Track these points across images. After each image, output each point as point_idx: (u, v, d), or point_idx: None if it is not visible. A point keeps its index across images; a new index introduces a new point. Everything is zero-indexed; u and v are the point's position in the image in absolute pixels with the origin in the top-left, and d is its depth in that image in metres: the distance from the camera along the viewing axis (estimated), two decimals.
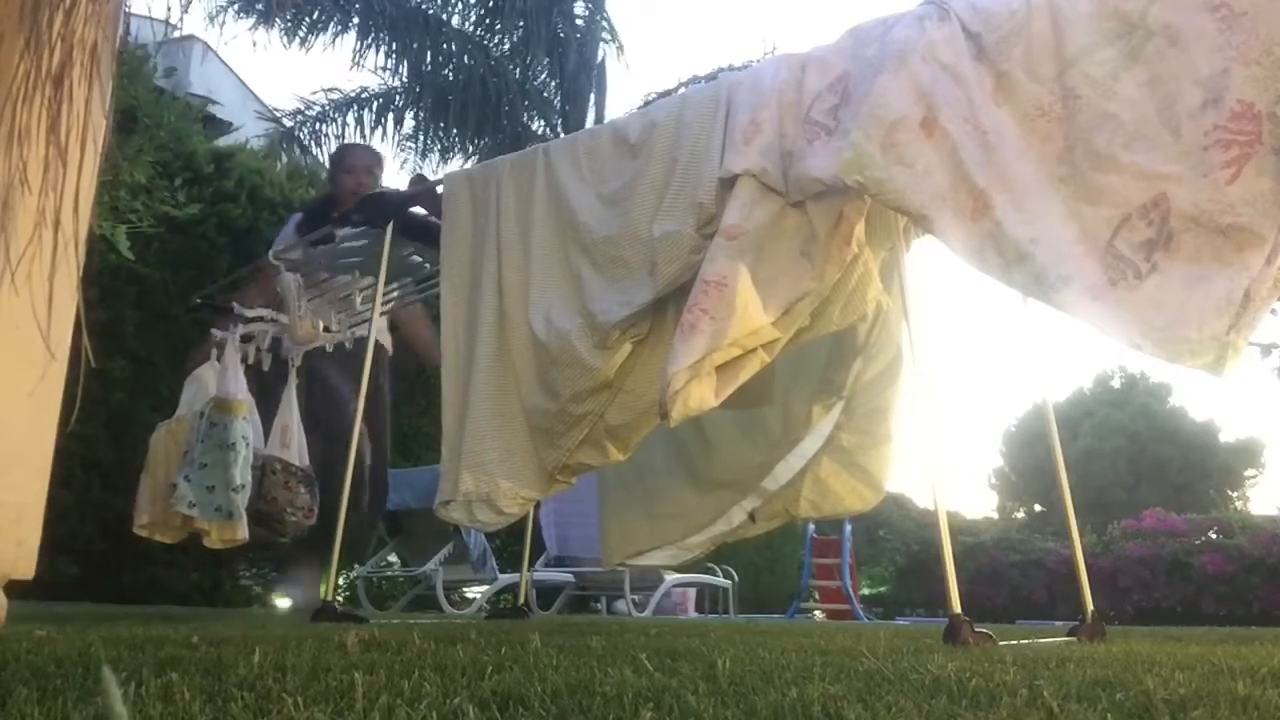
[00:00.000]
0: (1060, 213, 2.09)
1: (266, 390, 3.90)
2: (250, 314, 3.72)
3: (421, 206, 3.55)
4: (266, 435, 3.75)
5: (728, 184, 2.46)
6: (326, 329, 3.81)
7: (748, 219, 2.38)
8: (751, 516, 3.60)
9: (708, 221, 2.48)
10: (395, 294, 3.89)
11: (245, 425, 3.48)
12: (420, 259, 3.76)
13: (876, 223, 2.56)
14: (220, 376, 3.54)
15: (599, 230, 2.73)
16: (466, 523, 2.93)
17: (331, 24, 11.35)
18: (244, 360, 3.71)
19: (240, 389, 3.53)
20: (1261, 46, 1.97)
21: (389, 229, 3.39)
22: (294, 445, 3.78)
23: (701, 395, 2.30)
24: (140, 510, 3.55)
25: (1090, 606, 2.70)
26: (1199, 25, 2.04)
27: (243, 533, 3.49)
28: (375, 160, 4.48)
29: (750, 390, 2.49)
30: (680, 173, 2.59)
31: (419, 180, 3.94)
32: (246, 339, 3.73)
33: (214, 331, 3.67)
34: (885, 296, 2.72)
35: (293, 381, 3.91)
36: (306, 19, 11.16)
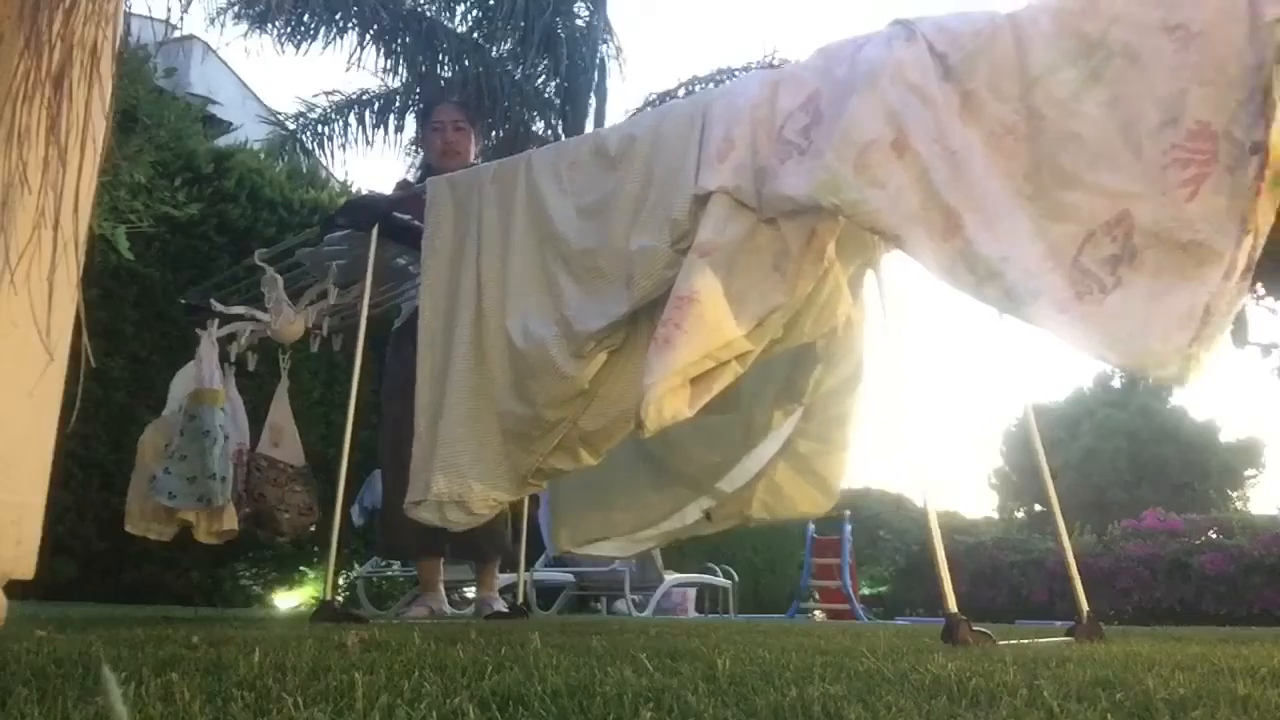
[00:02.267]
0: (1028, 230, 2.12)
1: (255, 389, 3.90)
2: (230, 311, 3.72)
3: (407, 211, 3.55)
4: (257, 433, 3.76)
5: (702, 201, 2.48)
6: (312, 329, 3.81)
7: (721, 234, 2.41)
8: (708, 515, 3.63)
9: (682, 237, 2.51)
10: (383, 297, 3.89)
11: (222, 415, 3.49)
12: (404, 262, 3.77)
13: (847, 238, 2.60)
14: (197, 368, 3.55)
15: (577, 242, 2.76)
16: (437, 523, 2.95)
17: (327, 26, 11.33)
18: (225, 359, 3.72)
19: (215, 379, 3.55)
20: (1216, 67, 2.00)
21: (374, 232, 3.40)
22: (285, 444, 3.79)
23: (676, 406, 2.33)
24: (129, 509, 3.56)
25: (1085, 607, 2.72)
26: (1157, 45, 2.06)
27: (230, 523, 3.49)
28: (464, 114, 4.11)
29: (717, 397, 2.52)
30: (656, 188, 2.62)
31: (405, 185, 3.92)
32: (228, 339, 3.74)
33: (198, 330, 3.68)
34: (855, 309, 2.76)
35: (284, 382, 3.91)
36: (303, 22, 11.15)
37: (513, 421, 2.81)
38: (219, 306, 3.75)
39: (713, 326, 2.33)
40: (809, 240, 2.39)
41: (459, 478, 2.81)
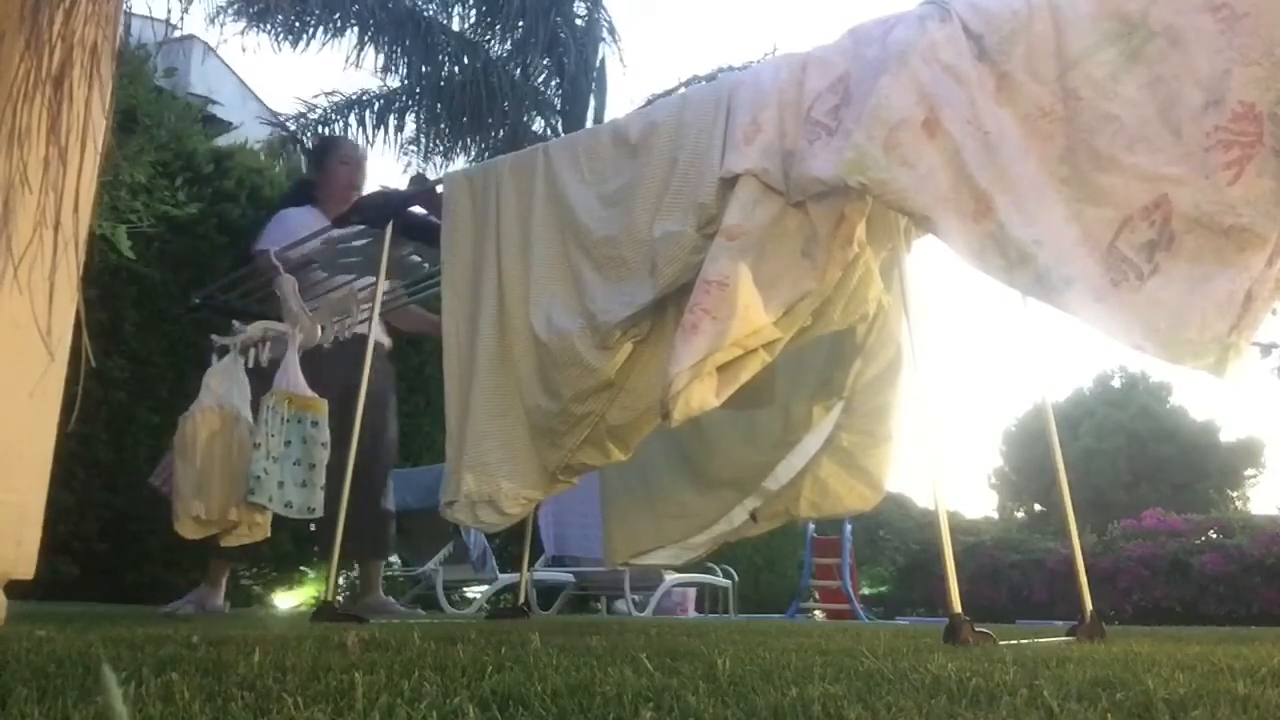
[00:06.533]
0: (1062, 214, 2.09)
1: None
2: (296, 310, 3.65)
3: (421, 206, 3.55)
4: None
5: (729, 184, 2.45)
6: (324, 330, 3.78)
7: (749, 219, 2.38)
8: (753, 516, 3.61)
9: (708, 222, 2.47)
10: (395, 294, 3.88)
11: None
12: (419, 259, 3.76)
13: (877, 222, 2.56)
14: (293, 374, 3.47)
15: (599, 230, 2.73)
16: (471, 524, 2.93)
17: (326, 25, 11.32)
18: (249, 364, 3.68)
19: (305, 387, 3.49)
20: (1262, 47, 1.97)
21: (388, 229, 3.38)
22: None
23: (703, 395, 2.30)
24: (187, 502, 3.31)
25: (1089, 606, 2.71)
26: (1200, 26, 2.03)
27: (267, 529, 3.47)
28: (364, 155, 4.53)
29: (751, 390, 2.49)
30: (681, 173, 2.58)
31: (419, 180, 3.93)
32: (246, 346, 3.69)
33: (236, 324, 3.64)
34: (886, 296, 2.72)
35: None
36: (302, 20, 11.14)
37: (539, 417, 2.79)
38: (302, 308, 3.65)
39: (742, 313, 2.30)
40: (838, 224, 2.36)
41: (488, 477, 2.79)
